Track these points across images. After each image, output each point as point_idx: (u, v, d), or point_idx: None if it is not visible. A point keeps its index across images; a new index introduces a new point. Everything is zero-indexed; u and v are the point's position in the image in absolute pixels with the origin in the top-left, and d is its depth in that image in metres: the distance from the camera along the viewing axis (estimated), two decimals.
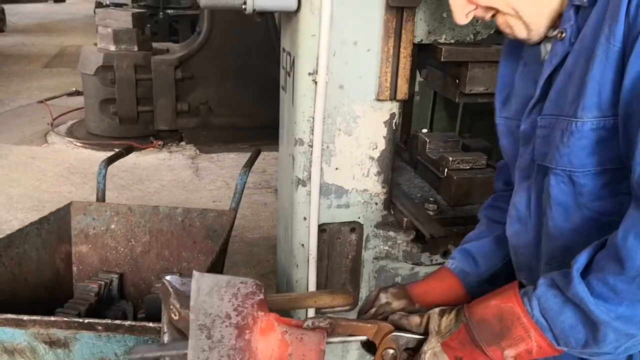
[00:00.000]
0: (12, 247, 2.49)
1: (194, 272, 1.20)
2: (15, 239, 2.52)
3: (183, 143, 6.51)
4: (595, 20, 1.07)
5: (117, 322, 1.91)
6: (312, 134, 2.05)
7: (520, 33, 1.20)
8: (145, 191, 5.27)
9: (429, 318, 1.23)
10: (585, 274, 1.03)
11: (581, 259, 1.04)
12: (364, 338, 1.28)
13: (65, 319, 1.92)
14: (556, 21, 1.18)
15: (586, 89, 1.06)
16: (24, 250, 2.56)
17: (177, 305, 1.47)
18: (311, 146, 2.06)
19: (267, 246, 4.34)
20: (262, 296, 1.23)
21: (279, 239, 2.59)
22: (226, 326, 1.19)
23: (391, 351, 1.24)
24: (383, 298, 1.40)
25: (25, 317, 1.93)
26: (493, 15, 1.21)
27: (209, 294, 1.19)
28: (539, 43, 1.24)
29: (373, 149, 2.13)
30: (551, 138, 1.15)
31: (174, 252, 2.97)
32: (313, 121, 2.03)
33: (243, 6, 1.94)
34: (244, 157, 3.32)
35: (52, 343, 1.99)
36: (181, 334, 1.47)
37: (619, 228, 1.00)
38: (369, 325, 1.26)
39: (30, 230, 2.62)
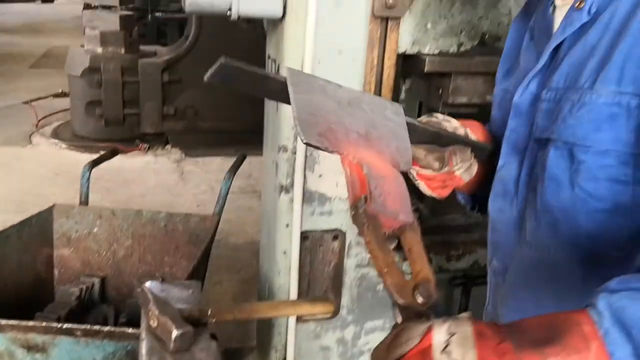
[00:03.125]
0: None
1: (288, 68, 1.11)
2: None
3: (169, 146, 6.49)
4: None
5: (96, 327, 1.90)
6: (296, 141, 2.05)
7: None
8: (130, 194, 5.24)
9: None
10: None
11: None
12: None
13: (44, 323, 1.91)
14: None
15: (610, 61, 1.02)
16: (4, 254, 2.54)
17: (156, 312, 1.46)
18: (295, 153, 2.07)
19: (251, 251, 4.33)
20: None
21: (262, 246, 2.59)
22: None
23: None
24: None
25: (3, 322, 1.91)
26: None
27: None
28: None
29: None
30: (557, 110, 1.11)
31: (157, 256, 2.96)
32: None
33: (228, 12, 1.95)
34: (230, 161, 3.31)
35: (30, 348, 1.97)
36: (160, 341, 1.47)
37: None
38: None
39: (11, 233, 2.60)
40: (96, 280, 2.86)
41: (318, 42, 1.95)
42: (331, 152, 1.01)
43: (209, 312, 1.45)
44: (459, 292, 2.41)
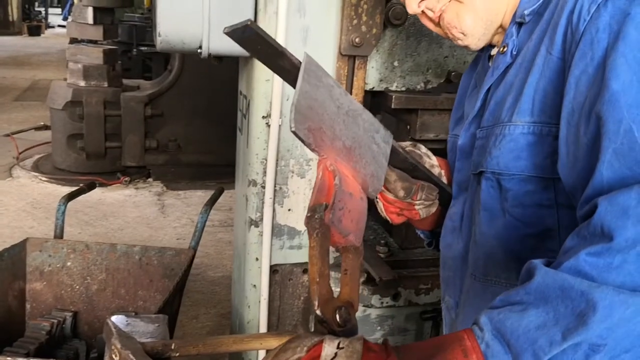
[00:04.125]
0: None
1: (307, 54, 1.10)
2: None
3: (150, 179, 6.49)
4: (539, 34, 1.12)
5: None
6: (265, 175, 2.08)
7: (461, 33, 1.23)
8: (109, 227, 5.22)
9: None
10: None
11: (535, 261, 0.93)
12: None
13: (9, 359, 1.90)
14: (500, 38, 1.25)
15: (522, 95, 1.10)
16: None
17: (119, 346, 1.47)
18: (264, 187, 2.10)
19: (228, 285, 4.31)
20: None
21: (234, 279, 2.59)
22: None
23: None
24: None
25: None
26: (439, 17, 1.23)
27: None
28: (482, 52, 1.31)
29: None
30: (485, 146, 1.20)
31: (130, 290, 2.95)
32: (266, 163, 2.07)
33: (199, 50, 1.99)
34: (211, 194, 3.33)
35: None
36: None
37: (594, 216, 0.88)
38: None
39: None
40: (68, 315, 2.84)
41: None
42: (312, 149, 1.03)
43: (173, 346, 1.46)
44: (429, 325, 2.42)
